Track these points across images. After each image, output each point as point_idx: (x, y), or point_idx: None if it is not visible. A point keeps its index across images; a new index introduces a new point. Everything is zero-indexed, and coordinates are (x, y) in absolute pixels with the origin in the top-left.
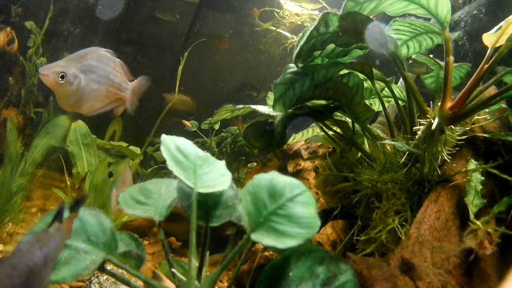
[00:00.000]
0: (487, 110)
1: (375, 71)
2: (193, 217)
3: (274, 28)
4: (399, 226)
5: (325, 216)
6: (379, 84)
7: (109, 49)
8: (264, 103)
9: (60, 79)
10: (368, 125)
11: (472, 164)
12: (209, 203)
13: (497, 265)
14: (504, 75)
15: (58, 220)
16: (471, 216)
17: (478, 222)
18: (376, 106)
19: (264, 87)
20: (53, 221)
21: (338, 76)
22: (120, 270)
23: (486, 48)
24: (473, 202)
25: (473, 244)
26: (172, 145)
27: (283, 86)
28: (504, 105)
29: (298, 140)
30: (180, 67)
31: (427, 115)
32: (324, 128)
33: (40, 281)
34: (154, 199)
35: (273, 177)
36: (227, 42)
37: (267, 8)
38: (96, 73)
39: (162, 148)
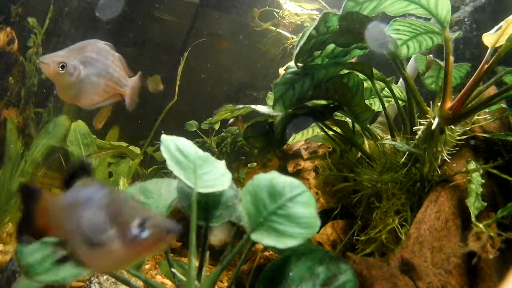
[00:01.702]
0: (487, 110)
1: (375, 71)
2: (193, 217)
3: (274, 28)
4: (399, 226)
5: (325, 216)
6: (379, 84)
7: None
8: (264, 103)
9: (60, 69)
10: (368, 125)
11: (472, 165)
12: (209, 203)
13: (497, 265)
14: (504, 75)
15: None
16: (473, 219)
17: (480, 225)
18: (376, 106)
19: (264, 87)
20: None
21: (338, 76)
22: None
23: (486, 48)
24: (474, 204)
25: (476, 248)
26: (172, 145)
27: (283, 86)
28: (504, 105)
29: (298, 140)
30: (180, 67)
31: (427, 115)
32: (324, 128)
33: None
34: (154, 199)
35: (273, 177)
36: (227, 42)
37: (267, 8)
38: (95, 66)
39: (162, 148)
